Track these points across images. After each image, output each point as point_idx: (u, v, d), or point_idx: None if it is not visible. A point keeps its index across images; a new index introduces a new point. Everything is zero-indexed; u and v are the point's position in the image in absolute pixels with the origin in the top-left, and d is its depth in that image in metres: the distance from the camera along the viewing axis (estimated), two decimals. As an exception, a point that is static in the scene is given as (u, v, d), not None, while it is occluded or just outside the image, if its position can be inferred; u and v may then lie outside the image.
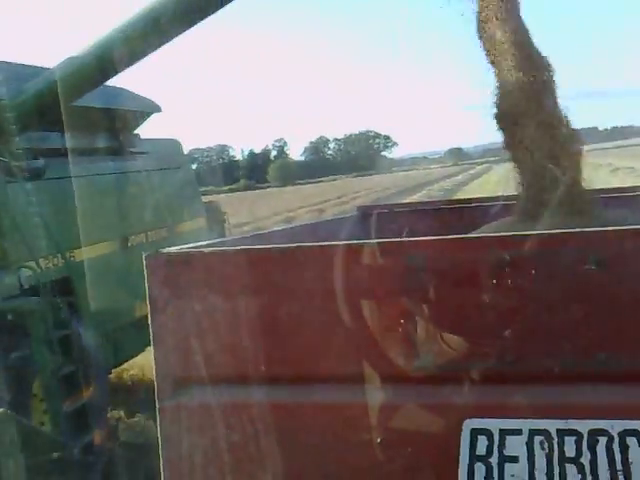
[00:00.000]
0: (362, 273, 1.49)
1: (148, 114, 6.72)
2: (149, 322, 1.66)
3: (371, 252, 1.49)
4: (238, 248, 1.71)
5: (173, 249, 1.71)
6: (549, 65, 2.52)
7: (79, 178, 5.02)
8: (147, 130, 6.90)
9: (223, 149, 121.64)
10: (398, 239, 1.54)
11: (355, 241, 1.58)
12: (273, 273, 1.57)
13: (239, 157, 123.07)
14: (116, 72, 4.11)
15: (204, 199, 8.61)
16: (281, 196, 48.99)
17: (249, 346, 1.57)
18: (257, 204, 37.45)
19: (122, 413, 5.77)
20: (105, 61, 3.94)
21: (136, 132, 6.66)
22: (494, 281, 1.41)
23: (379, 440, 1.46)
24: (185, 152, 8.49)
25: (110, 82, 4.63)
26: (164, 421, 1.64)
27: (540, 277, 1.39)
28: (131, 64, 3.99)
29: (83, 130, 5.31)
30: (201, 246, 1.80)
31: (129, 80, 6.42)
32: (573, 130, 2.50)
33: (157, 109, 6.84)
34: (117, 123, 5.96)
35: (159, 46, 3.89)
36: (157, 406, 1.65)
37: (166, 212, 6.36)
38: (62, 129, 4.70)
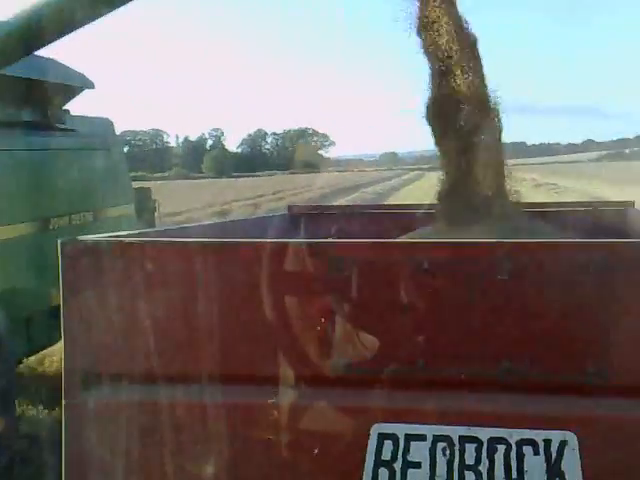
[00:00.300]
0: (282, 272, 1.48)
1: (79, 89, 6.38)
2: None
3: (293, 252, 1.48)
4: (157, 240, 1.66)
5: (90, 237, 1.64)
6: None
7: (-4, 152, 4.68)
8: (78, 106, 6.56)
9: (157, 134, 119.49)
10: (321, 240, 1.55)
11: (278, 240, 1.57)
12: (193, 268, 1.53)
13: (173, 144, 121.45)
14: (47, 42, 3.85)
15: (134, 185, 8.32)
16: (215, 188, 48.45)
17: (163, 343, 1.53)
18: (191, 194, 36.94)
19: (32, 405, 5.45)
20: (35, 29, 3.68)
21: (65, 107, 6.30)
22: (410, 286, 1.43)
23: (287, 441, 1.46)
24: (117, 133, 8.14)
25: (40, 52, 4.32)
26: (69, 417, 1.58)
27: (454, 284, 1.42)
28: (64, 34, 3.74)
29: (4, 101, 4.97)
30: (120, 236, 1.73)
31: (61, 52, 6.06)
32: (500, 141, 2.58)
33: (90, 85, 6.50)
34: (44, 96, 5.62)
35: (94, 18, 3.66)
36: (63, 402, 1.59)
37: (93, 195, 6.06)
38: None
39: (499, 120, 2.62)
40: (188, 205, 27.50)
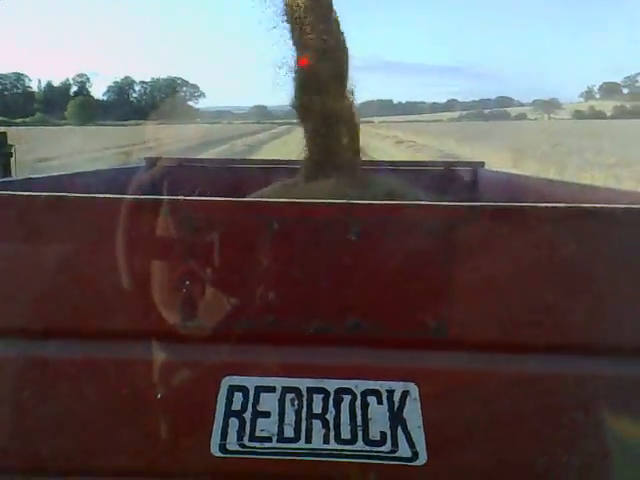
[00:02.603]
0: (135, 228, 1.48)
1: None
2: None
3: (142, 207, 1.48)
4: (4, 193, 1.58)
5: None
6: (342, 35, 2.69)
7: None
8: None
9: (19, 78, 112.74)
10: (169, 197, 1.52)
11: (131, 196, 1.56)
12: (40, 223, 1.50)
13: (35, 88, 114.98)
14: None
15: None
16: (82, 135, 46.86)
17: (14, 298, 1.50)
18: (58, 140, 35.50)
19: None
20: None
21: None
22: (260, 244, 1.46)
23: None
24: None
25: None
26: None
27: (303, 243, 1.46)
28: None
29: None
30: None
31: None
32: (353, 102, 2.69)
33: None
34: None
35: None
36: None
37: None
38: None
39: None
40: (58, 151, 26.79)
